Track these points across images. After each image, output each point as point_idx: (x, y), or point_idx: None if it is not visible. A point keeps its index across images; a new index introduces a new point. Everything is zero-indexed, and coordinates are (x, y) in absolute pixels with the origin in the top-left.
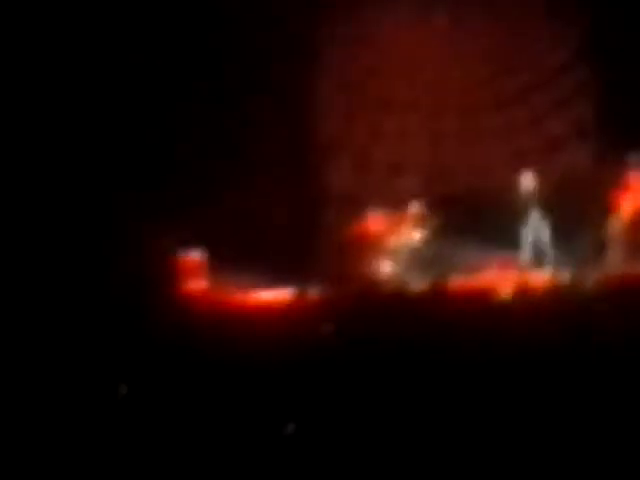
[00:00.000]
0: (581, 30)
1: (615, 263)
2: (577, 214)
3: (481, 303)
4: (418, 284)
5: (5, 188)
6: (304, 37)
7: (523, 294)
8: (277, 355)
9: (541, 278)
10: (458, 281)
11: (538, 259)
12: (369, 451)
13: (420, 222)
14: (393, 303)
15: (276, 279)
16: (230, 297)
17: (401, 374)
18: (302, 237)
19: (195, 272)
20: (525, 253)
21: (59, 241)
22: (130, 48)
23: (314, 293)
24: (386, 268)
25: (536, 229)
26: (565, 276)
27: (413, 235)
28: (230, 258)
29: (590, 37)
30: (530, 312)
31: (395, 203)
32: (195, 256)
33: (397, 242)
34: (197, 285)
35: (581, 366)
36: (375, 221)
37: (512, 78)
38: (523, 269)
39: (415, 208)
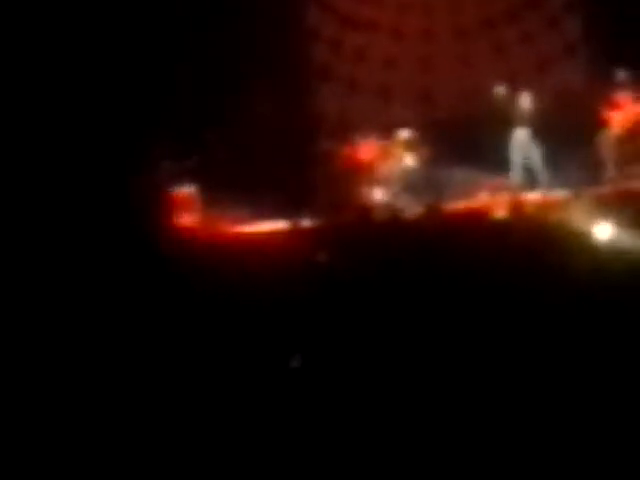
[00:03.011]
0: None
1: (607, 179)
2: (568, 133)
3: (476, 224)
4: (412, 209)
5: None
6: None
7: (517, 213)
8: (273, 286)
9: (534, 198)
10: (452, 205)
11: (530, 180)
12: (373, 379)
13: (412, 147)
14: (388, 229)
15: (270, 211)
16: (225, 230)
17: (398, 300)
18: (294, 166)
19: (189, 206)
20: (517, 175)
21: (58, 173)
22: None
23: (308, 223)
24: (379, 195)
25: (527, 150)
26: (559, 195)
27: (405, 161)
28: (223, 192)
29: None
30: (525, 230)
31: (386, 129)
32: (189, 191)
33: (389, 168)
34: (191, 219)
35: (578, 284)
36: (366, 148)
37: None
38: (515, 191)
39: (406, 133)
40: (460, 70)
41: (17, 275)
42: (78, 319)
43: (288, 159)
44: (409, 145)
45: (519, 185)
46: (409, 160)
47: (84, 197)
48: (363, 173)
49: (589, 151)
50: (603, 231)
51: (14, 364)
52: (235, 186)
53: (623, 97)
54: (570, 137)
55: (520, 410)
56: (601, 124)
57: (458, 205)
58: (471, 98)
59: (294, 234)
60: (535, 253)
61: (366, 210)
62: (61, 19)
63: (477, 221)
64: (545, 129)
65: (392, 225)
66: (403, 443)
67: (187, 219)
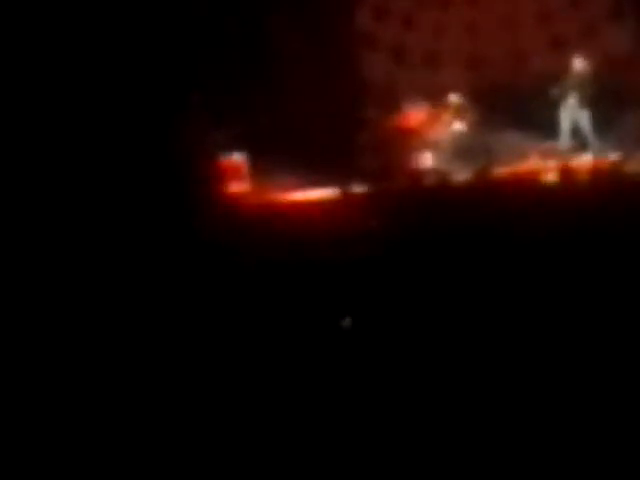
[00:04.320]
0: None
1: None
2: (617, 99)
3: (526, 189)
4: (461, 175)
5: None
6: None
7: (568, 177)
8: (325, 252)
9: (584, 163)
10: (501, 170)
11: (580, 146)
12: (420, 342)
13: (460, 113)
14: (438, 194)
15: (319, 178)
16: (274, 198)
17: (452, 264)
18: (343, 134)
19: (238, 175)
20: (566, 140)
21: (106, 137)
22: None
23: (358, 190)
24: (428, 161)
25: (576, 116)
26: (608, 160)
27: (454, 126)
28: (272, 160)
29: None
30: (576, 194)
31: (434, 95)
32: (238, 159)
33: (438, 134)
34: (241, 187)
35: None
36: (415, 114)
37: None
38: (565, 156)
39: (454, 99)
40: (507, 35)
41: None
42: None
43: (337, 126)
44: (458, 110)
45: (569, 149)
46: (458, 125)
47: (130, 163)
48: (412, 139)
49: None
50: None
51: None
52: (284, 153)
53: None
54: (619, 101)
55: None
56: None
57: (507, 170)
58: (519, 63)
59: (344, 201)
60: (585, 219)
61: (416, 175)
62: None
63: (527, 186)
64: (595, 93)
65: (442, 190)
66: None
67: (237, 187)
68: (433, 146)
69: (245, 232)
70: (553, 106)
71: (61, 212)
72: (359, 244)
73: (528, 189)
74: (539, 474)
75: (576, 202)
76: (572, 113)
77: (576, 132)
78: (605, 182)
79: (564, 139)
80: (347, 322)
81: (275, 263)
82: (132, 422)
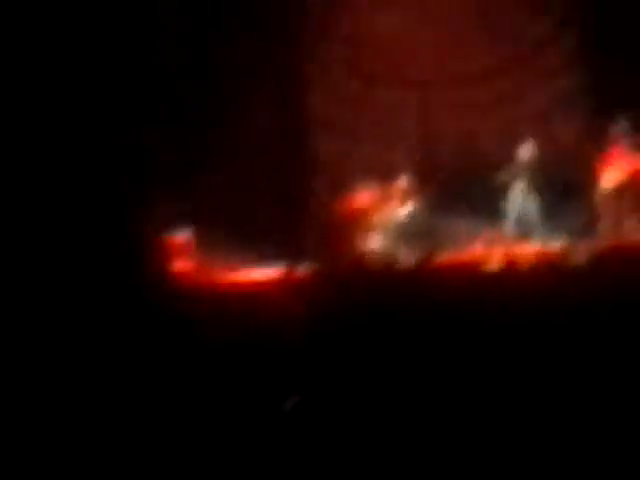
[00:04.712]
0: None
1: (604, 233)
2: (564, 186)
3: (470, 276)
4: (406, 259)
5: None
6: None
7: (512, 266)
8: (268, 332)
9: (529, 250)
10: (446, 255)
11: (526, 232)
12: (369, 425)
13: (408, 196)
14: (381, 279)
15: (265, 256)
16: (219, 276)
17: (394, 348)
18: (290, 212)
19: (183, 252)
20: (512, 226)
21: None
22: None
23: (302, 270)
24: (375, 243)
25: (523, 202)
26: (555, 248)
27: (401, 209)
28: (217, 237)
29: (575, 7)
30: (520, 283)
31: (383, 176)
32: (182, 236)
33: (385, 216)
34: (185, 265)
35: (574, 336)
36: (363, 195)
37: (497, 49)
38: (511, 242)
39: (404, 182)
40: (457, 120)
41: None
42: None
43: (284, 204)
44: (406, 193)
45: (515, 236)
46: (405, 208)
47: (75, 244)
48: (359, 220)
49: (586, 203)
50: None
51: None
52: (230, 230)
53: (620, 150)
54: (567, 189)
55: None
56: (597, 177)
57: (452, 255)
58: (469, 146)
59: (289, 281)
60: (526, 309)
61: (361, 258)
62: None
63: (470, 273)
64: (542, 180)
65: (386, 275)
66: None
67: (182, 265)
68: (380, 228)
69: (190, 312)
70: (500, 192)
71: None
72: (303, 326)
73: (471, 277)
74: None
75: (519, 291)
76: (519, 199)
77: (522, 219)
78: (549, 272)
79: (510, 226)
80: (291, 403)
81: (220, 343)
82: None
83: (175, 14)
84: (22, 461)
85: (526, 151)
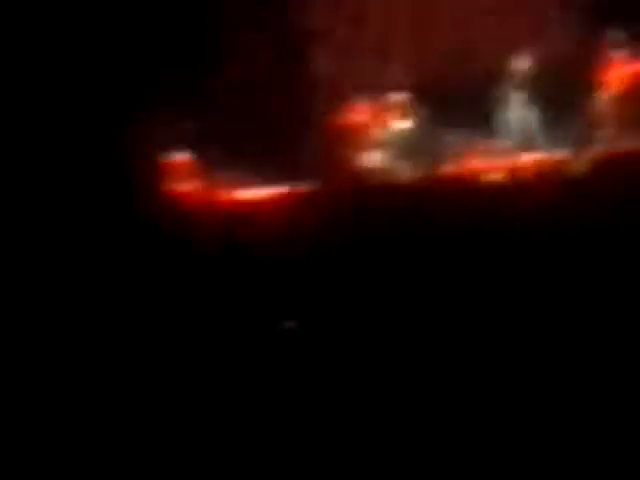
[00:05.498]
0: None
1: (604, 141)
2: (564, 95)
3: (470, 188)
4: (407, 174)
5: None
6: None
7: (512, 176)
8: (272, 251)
9: (530, 161)
10: (446, 169)
11: (527, 143)
12: (369, 345)
13: (406, 111)
14: (381, 194)
15: (266, 175)
16: (221, 196)
17: (398, 264)
18: (289, 130)
19: (184, 173)
20: (512, 138)
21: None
22: None
23: (304, 189)
24: (373, 159)
25: (523, 113)
26: (556, 158)
27: (399, 124)
28: (218, 157)
29: None
30: (521, 193)
31: (380, 91)
32: (183, 157)
33: (383, 132)
34: (187, 186)
35: (577, 247)
36: (360, 111)
37: None
38: (510, 153)
39: (400, 96)
40: (455, 31)
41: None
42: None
43: (283, 122)
44: (404, 108)
45: (516, 147)
46: (404, 123)
47: (71, 163)
48: (357, 136)
49: (585, 112)
50: None
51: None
52: (229, 150)
53: (618, 57)
54: (566, 99)
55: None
56: (596, 85)
57: (452, 169)
58: (467, 59)
59: (287, 201)
60: (531, 219)
61: (359, 174)
62: None
63: (471, 186)
64: (541, 91)
65: (385, 190)
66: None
67: (182, 186)
68: (378, 144)
69: (191, 232)
70: (500, 104)
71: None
72: (302, 245)
73: (472, 189)
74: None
75: (521, 201)
76: (519, 111)
77: (523, 130)
78: (550, 181)
79: (511, 137)
80: (291, 324)
81: (221, 263)
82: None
83: None
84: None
85: (524, 61)
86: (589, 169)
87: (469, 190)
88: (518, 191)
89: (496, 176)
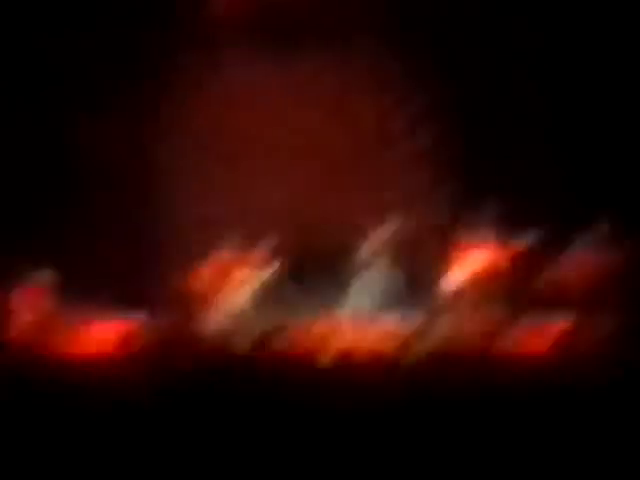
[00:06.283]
0: (438, 82)
1: (444, 330)
2: (420, 269)
3: (303, 368)
4: (244, 341)
5: None
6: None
7: (345, 361)
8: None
9: (367, 341)
10: (286, 339)
11: (379, 310)
12: None
13: (260, 271)
14: (215, 361)
15: (115, 313)
16: (59, 341)
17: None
18: (145, 278)
19: (29, 305)
20: (368, 304)
21: None
22: None
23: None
24: (219, 320)
25: (379, 280)
26: (397, 337)
27: (249, 285)
28: (69, 293)
29: (446, 89)
30: (353, 379)
31: (235, 250)
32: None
33: (233, 293)
34: (26, 325)
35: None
36: (213, 269)
37: (368, 131)
38: (350, 329)
39: (261, 251)
40: (327, 198)
41: None
42: None
43: (134, 275)
44: (257, 268)
45: (369, 313)
46: (253, 285)
47: None
48: (205, 297)
49: (438, 289)
50: None
51: None
52: (83, 285)
53: (476, 238)
54: (422, 273)
55: None
56: (452, 263)
57: (290, 341)
58: (333, 221)
59: (129, 350)
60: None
61: (198, 340)
62: None
63: (304, 366)
64: (398, 263)
65: (220, 358)
66: None
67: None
68: (227, 304)
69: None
70: (359, 267)
71: None
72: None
73: (304, 369)
74: None
75: (352, 385)
76: (375, 278)
77: (379, 295)
78: (383, 370)
79: (366, 302)
80: None
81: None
82: None
83: None
84: None
85: (388, 230)
86: (423, 359)
87: (302, 369)
88: (350, 375)
89: (329, 358)
